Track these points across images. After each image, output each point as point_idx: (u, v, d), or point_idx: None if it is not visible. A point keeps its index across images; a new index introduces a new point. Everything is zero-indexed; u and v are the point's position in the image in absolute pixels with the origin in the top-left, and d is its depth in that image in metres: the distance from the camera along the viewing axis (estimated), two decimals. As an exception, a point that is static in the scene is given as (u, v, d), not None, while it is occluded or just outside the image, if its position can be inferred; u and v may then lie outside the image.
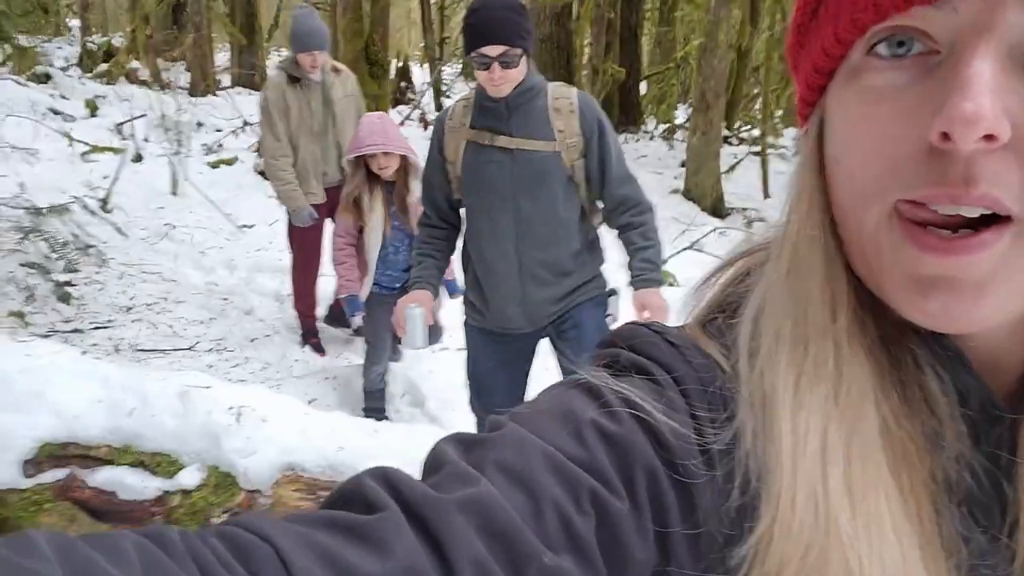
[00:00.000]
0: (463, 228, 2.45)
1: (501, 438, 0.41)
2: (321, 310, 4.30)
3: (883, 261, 0.41)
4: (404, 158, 3.16)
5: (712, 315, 0.52)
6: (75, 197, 4.85)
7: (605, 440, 0.42)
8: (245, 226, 5.92)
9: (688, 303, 0.55)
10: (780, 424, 0.42)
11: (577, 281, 2.38)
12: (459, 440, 0.43)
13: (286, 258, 5.28)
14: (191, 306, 4.40)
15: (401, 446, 2.14)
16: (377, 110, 9.89)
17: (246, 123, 8.69)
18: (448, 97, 18.73)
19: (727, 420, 0.44)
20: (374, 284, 3.34)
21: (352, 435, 2.13)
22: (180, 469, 2.05)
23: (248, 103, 11.54)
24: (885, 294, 0.42)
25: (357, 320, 3.55)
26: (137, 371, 2.27)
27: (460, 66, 22.89)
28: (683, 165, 8.51)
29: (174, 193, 6.67)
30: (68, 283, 4.25)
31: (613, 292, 2.46)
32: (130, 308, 4.23)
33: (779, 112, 12.21)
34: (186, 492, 2.03)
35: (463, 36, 2.16)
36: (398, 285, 3.29)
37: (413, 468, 0.56)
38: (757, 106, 13.44)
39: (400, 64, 14.54)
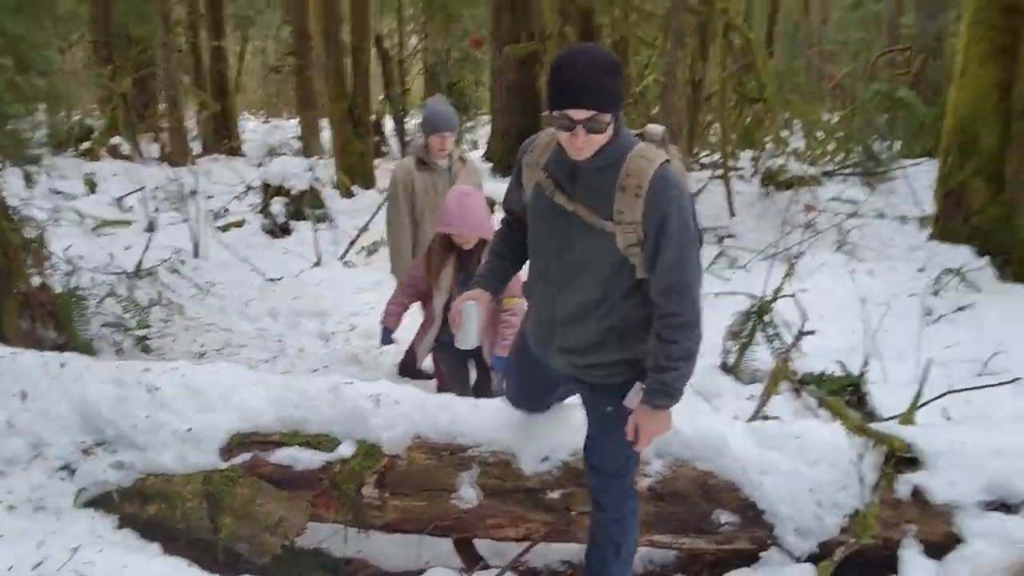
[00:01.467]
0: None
1: None
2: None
3: None
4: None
5: None
6: (163, 260, 5.56)
7: None
8: (273, 279, 6.64)
9: None
10: None
11: (601, 358, 2.28)
12: None
13: (321, 303, 6.06)
14: (253, 348, 5.11)
15: (492, 417, 2.90)
16: (363, 166, 10.75)
17: (249, 187, 9.42)
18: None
19: None
20: (438, 339, 3.68)
21: (460, 411, 2.89)
22: (338, 444, 2.80)
23: (244, 167, 12.33)
24: None
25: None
26: (293, 376, 3.01)
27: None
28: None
29: (196, 255, 7.37)
30: (145, 337, 4.95)
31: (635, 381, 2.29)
32: (203, 354, 4.94)
33: (734, 136, 13.23)
34: (344, 460, 2.77)
35: (548, 90, 2.02)
36: None
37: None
38: (712, 133, 14.52)
39: (373, 118, 15.36)
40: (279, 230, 8.52)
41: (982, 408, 3.51)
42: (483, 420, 2.88)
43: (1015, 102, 5.66)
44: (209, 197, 9.98)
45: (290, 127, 23.69)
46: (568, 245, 2.15)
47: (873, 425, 2.84)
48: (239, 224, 8.69)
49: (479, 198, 3.57)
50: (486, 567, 2.87)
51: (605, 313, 2.20)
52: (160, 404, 2.80)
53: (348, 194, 9.53)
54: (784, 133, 12.64)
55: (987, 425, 3.05)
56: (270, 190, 8.88)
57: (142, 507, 2.76)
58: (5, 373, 2.90)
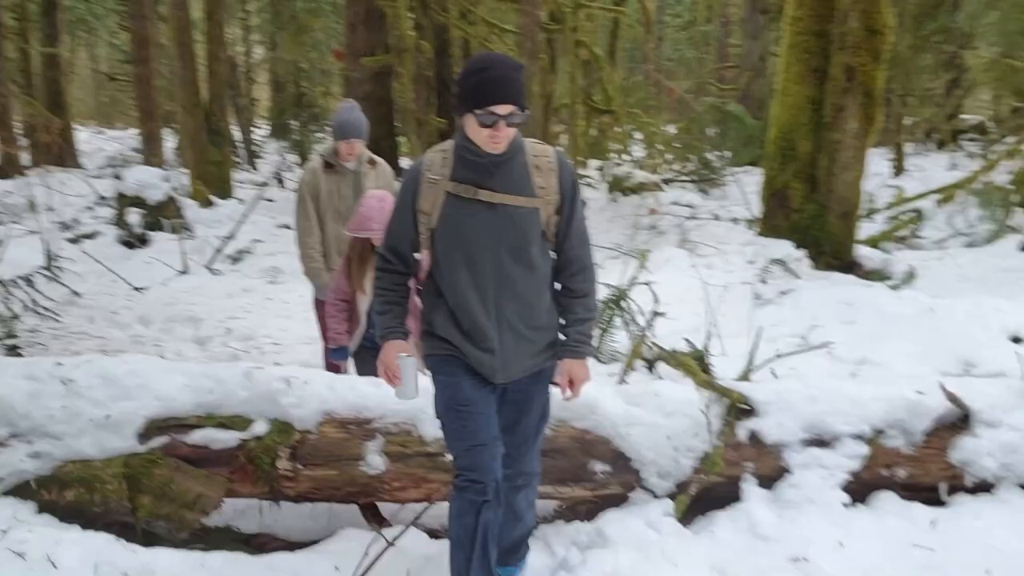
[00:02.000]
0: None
1: None
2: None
3: None
4: None
5: None
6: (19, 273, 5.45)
7: None
8: (139, 288, 6.63)
9: None
10: None
11: (548, 337, 2.49)
12: None
13: (193, 310, 6.14)
14: (131, 355, 5.17)
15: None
16: (220, 176, 10.70)
17: (102, 198, 9.19)
18: (261, 158, 19.38)
19: None
20: (364, 339, 3.78)
21: (364, 388, 3.22)
22: (252, 423, 3.06)
23: (80, 180, 11.88)
24: None
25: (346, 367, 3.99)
26: (209, 363, 3.23)
27: (269, 127, 23.54)
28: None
29: (50, 268, 7.19)
30: (15, 347, 4.92)
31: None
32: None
33: (582, 146, 14.08)
34: (258, 438, 3.04)
35: (467, 91, 2.21)
36: None
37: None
38: (561, 143, 15.37)
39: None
40: (137, 241, 8.41)
41: (801, 370, 4.20)
42: (385, 395, 3.21)
43: (825, 115, 6.58)
44: (49, 209, 9.65)
45: (126, 137, 22.76)
46: (501, 236, 2.32)
47: (717, 381, 3.41)
48: (91, 236, 8.50)
49: (391, 200, 3.59)
50: (389, 527, 3.20)
51: (543, 289, 2.45)
52: (76, 394, 2.96)
53: (207, 204, 9.48)
54: (629, 143, 13.62)
55: (804, 381, 3.71)
56: (125, 200, 8.74)
57: (60, 493, 2.92)
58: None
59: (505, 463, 2.52)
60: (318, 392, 3.14)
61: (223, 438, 3.02)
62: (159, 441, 2.99)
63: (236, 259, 7.80)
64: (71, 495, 2.92)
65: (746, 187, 10.31)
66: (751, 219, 8.97)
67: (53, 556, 2.59)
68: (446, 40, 13.95)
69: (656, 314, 4.36)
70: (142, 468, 2.94)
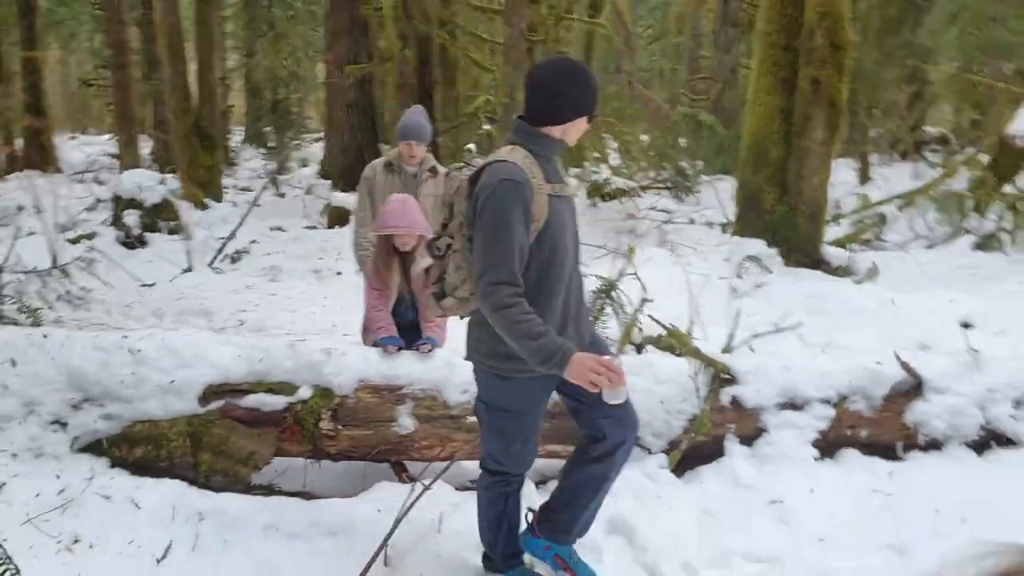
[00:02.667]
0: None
1: None
2: None
3: None
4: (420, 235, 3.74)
5: None
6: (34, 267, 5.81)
7: None
8: (147, 284, 7.00)
9: None
10: None
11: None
12: None
13: (204, 303, 6.53)
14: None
15: (419, 363, 3.70)
16: (211, 179, 11.05)
17: (99, 201, 9.52)
18: (236, 164, 19.67)
19: None
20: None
21: (395, 359, 3.67)
22: (297, 389, 3.49)
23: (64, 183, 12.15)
24: None
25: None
26: (257, 337, 3.66)
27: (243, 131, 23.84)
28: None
29: (55, 265, 7.53)
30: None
31: None
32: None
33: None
34: (303, 401, 3.48)
35: (589, 95, 2.40)
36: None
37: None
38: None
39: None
40: (136, 241, 8.76)
41: (775, 350, 4.72)
42: (413, 365, 3.68)
43: (794, 124, 7.17)
44: (38, 211, 9.93)
45: (100, 143, 22.88)
46: (575, 224, 2.55)
47: (703, 352, 3.91)
48: (90, 236, 8.82)
49: (415, 203, 3.92)
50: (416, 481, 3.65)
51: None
52: (142, 363, 3.38)
53: (202, 206, 9.84)
54: (606, 151, 14.18)
55: (779, 356, 4.22)
56: (122, 203, 9.08)
57: (130, 450, 3.33)
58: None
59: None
60: (354, 363, 3.59)
61: (272, 402, 3.46)
62: (216, 404, 3.42)
63: (235, 259, 8.19)
64: (140, 452, 3.33)
65: (719, 193, 10.89)
66: (725, 223, 9.54)
67: (135, 498, 3.02)
68: (428, 50, 14.44)
69: (645, 300, 4.84)
70: (202, 427, 3.37)
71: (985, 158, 10.70)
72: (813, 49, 6.79)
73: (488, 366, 2.56)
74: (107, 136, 22.65)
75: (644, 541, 3.18)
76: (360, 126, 14.06)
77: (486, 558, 2.97)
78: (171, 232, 9.03)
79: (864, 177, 16.18)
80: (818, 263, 7.07)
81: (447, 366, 3.68)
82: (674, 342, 4.04)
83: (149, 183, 9.20)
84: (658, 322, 4.31)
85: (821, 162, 6.98)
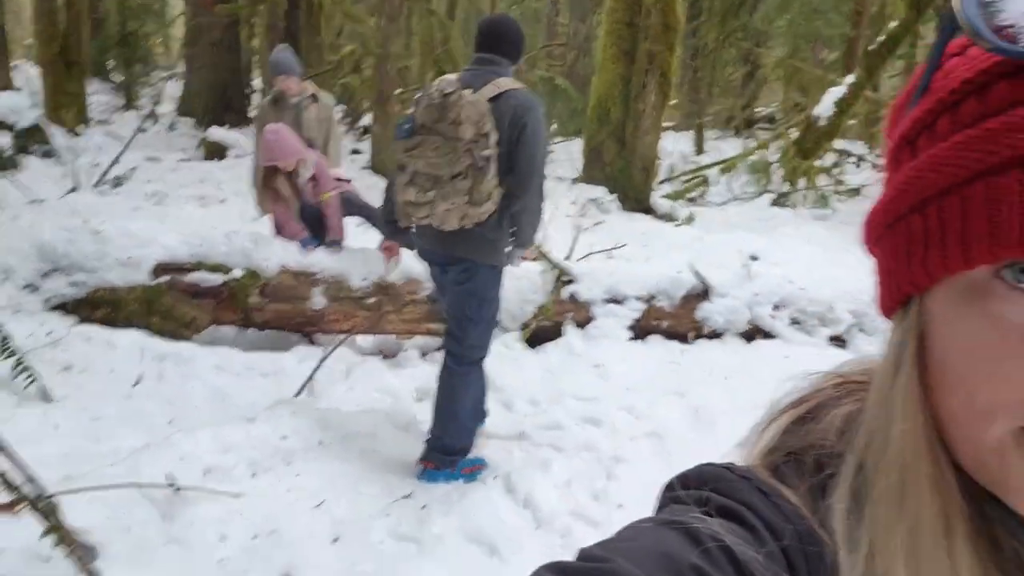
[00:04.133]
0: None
1: (604, 574, 0.42)
2: None
3: (1011, 473, 0.41)
4: None
5: (781, 459, 0.53)
6: None
7: None
8: (38, 200, 7.52)
9: (750, 437, 0.56)
10: None
11: None
12: (562, 571, 0.43)
13: (103, 219, 7.14)
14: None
15: (331, 256, 4.72)
16: (77, 107, 11.28)
17: None
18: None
19: None
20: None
21: (311, 255, 4.68)
22: (231, 270, 4.45)
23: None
24: (1011, 502, 0.42)
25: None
26: (202, 224, 4.57)
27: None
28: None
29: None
30: None
31: None
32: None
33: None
34: (237, 279, 4.44)
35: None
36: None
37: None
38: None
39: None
40: (8, 163, 9.06)
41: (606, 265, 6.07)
42: (324, 258, 4.71)
43: (632, 90, 8.56)
44: None
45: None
46: None
47: (551, 256, 5.16)
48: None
49: (285, 131, 4.63)
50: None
51: None
52: (104, 242, 4.24)
53: (74, 133, 10.17)
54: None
55: (608, 264, 5.55)
56: (-8, 125, 9.31)
57: (93, 311, 4.20)
58: (-32, 222, 4.12)
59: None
60: (277, 251, 4.59)
61: (211, 279, 4.41)
62: (165, 279, 4.33)
63: (117, 183, 8.71)
64: (101, 313, 4.20)
65: (573, 154, 12.26)
66: (575, 178, 10.92)
67: (111, 340, 3.92)
68: (298, -6, 14.96)
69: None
70: (154, 295, 4.28)
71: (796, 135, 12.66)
72: (649, 27, 8.19)
73: (492, 262, 3.22)
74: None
75: (502, 387, 4.39)
76: (226, 65, 14.45)
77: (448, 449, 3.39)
78: (44, 156, 9.38)
79: (699, 148, 18.16)
80: (648, 210, 8.55)
81: (351, 258, 4.74)
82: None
83: (20, 106, 9.46)
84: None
85: (653, 124, 8.43)
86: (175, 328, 4.32)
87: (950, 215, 0.41)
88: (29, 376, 3.35)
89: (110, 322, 4.19)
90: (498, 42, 3.17)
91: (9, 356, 3.26)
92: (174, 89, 19.04)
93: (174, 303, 4.31)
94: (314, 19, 17.56)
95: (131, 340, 3.98)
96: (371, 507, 3.04)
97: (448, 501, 3.14)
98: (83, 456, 3.01)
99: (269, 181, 4.79)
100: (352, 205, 4.94)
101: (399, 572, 2.66)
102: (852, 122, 20.63)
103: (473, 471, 3.38)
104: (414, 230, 3.33)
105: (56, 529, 1.96)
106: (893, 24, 9.99)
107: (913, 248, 0.44)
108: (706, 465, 0.53)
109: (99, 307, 4.20)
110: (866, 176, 11.89)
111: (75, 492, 2.28)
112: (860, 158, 13.33)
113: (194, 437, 3.09)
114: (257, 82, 17.38)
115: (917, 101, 0.45)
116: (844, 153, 13.11)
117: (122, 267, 4.23)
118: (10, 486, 1.93)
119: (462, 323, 3.31)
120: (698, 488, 0.51)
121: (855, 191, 9.87)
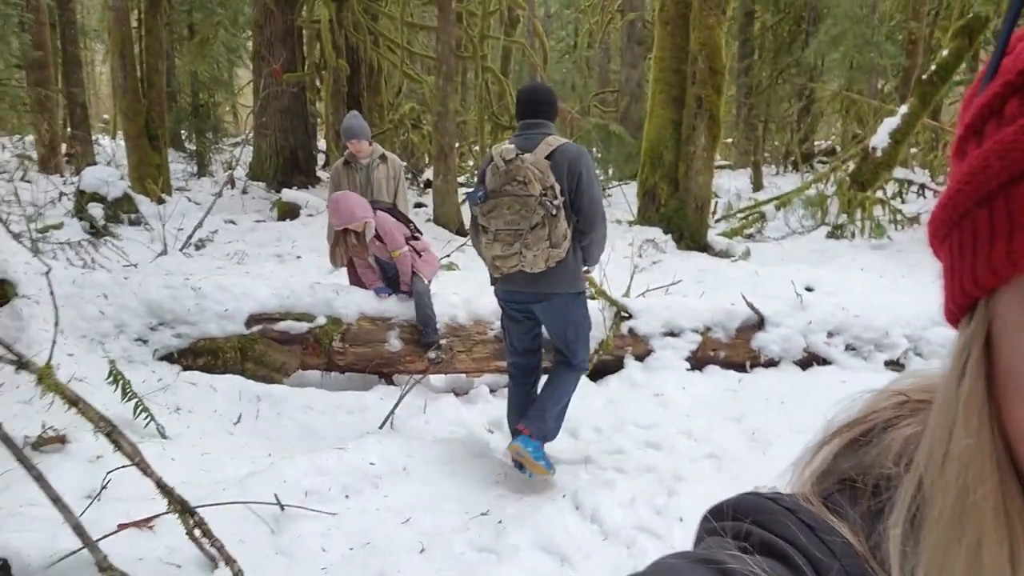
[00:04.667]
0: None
1: None
2: None
3: None
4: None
5: (834, 485, 0.52)
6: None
7: None
8: (131, 264, 8.19)
9: (801, 460, 0.55)
10: None
11: None
12: None
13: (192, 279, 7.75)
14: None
15: (403, 304, 5.15)
16: (160, 177, 12.15)
17: (62, 195, 10.54)
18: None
19: None
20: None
21: (386, 301, 5.12)
22: (316, 317, 4.91)
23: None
24: None
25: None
26: (285, 277, 5.06)
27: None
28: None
29: (36, 253, 8.60)
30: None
31: None
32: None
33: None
34: (321, 326, 4.89)
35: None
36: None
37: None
38: (472, 155, 17.50)
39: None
40: (102, 231, 9.84)
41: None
42: (398, 305, 5.14)
43: (682, 133, 8.93)
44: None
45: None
46: None
47: (609, 295, 5.51)
48: (58, 227, 9.85)
49: (350, 196, 4.98)
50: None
51: None
52: (203, 297, 4.75)
53: (159, 201, 10.97)
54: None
55: (664, 299, 5.86)
56: (85, 196, 10.15)
57: (194, 360, 4.68)
58: (87, 285, 4.67)
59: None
60: (356, 300, 5.04)
61: (298, 327, 4.87)
62: (257, 328, 4.81)
63: (199, 246, 9.39)
64: (202, 361, 4.69)
65: (629, 197, 12.63)
66: (632, 220, 11.28)
67: (213, 385, 4.39)
68: (358, 60, 15.82)
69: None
70: (248, 343, 4.75)
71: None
72: (696, 72, 8.58)
73: (576, 290, 3.74)
74: (15, 137, 23.00)
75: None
76: (294, 130, 15.31)
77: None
78: (131, 223, 10.15)
79: (758, 185, 18.35)
80: (704, 247, 8.84)
81: (423, 303, 5.15)
82: (589, 287, 5.61)
83: (111, 178, 10.29)
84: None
85: (704, 164, 8.77)
86: (267, 373, 4.78)
87: (1018, 206, 0.38)
88: (147, 417, 3.81)
89: (210, 369, 4.67)
90: (539, 107, 3.66)
91: (131, 399, 3.73)
92: (244, 154, 20.10)
93: (266, 350, 4.78)
94: (375, 81, 18.47)
95: (230, 384, 4.44)
96: (453, 523, 3.40)
97: (521, 517, 3.47)
98: (198, 484, 3.44)
99: (340, 239, 5.18)
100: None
101: (481, 575, 3.00)
102: (913, 150, 20.61)
103: (549, 461, 3.83)
104: (498, 277, 3.80)
105: (208, 536, 2.35)
106: (944, 52, 10.14)
107: (978, 245, 0.41)
108: (747, 495, 0.51)
109: (201, 355, 4.69)
110: (927, 204, 11.97)
111: (207, 507, 2.69)
112: (922, 186, 13.38)
113: (294, 463, 3.50)
114: (322, 143, 18.23)
115: (984, 88, 0.41)
116: (906, 182, 13.19)
117: (219, 319, 4.72)
118: (170, 497, 2.34)
119: (569, 346, 3.86)
120: (737, 520, 0.50)
121: (913, 219, 9.99)
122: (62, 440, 3.58)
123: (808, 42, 21.60)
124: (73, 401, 2.34)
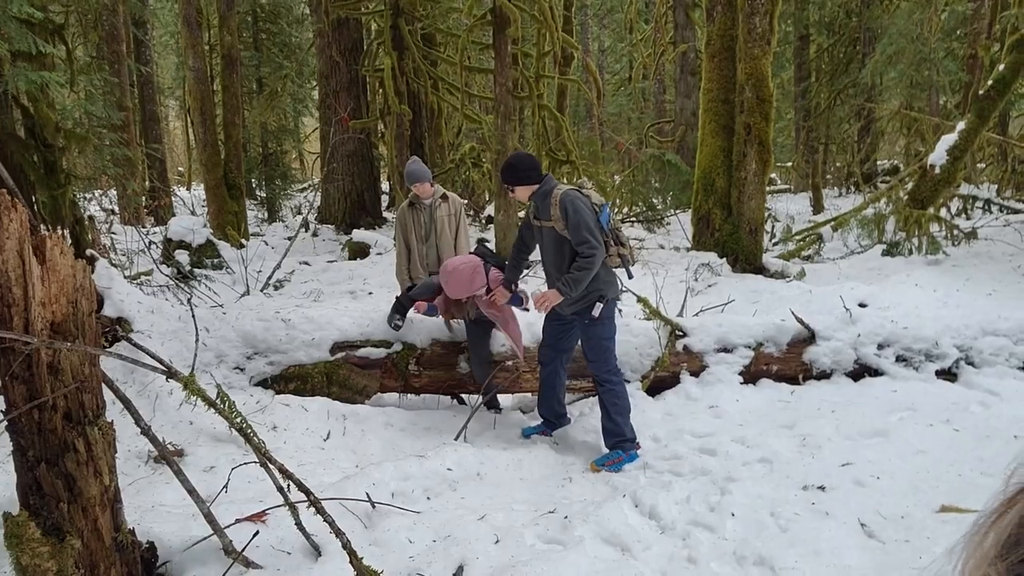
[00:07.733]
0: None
1: None
2: None
3: None
4: None
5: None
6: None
7: None
8: (218, 304, 8.85)
9: (979, 526, 0.51)
10: None
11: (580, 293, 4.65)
12: None
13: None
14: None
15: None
16: (238, 225, 12.97)
17: (151, 243, 11.39)
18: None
19: None
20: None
21: (455, 327, 5.60)
22: (392, 344, 5.41)
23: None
24: None
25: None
26: (365, 308, 5.60)
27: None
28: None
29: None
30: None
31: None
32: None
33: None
34: (397, 352, 5.38)
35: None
36: None
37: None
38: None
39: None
40: (188, 276, 10.61)
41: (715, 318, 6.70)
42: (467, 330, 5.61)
43: (733, 160, 9.28)
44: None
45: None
46: (542, 244, 4.77)
47: (663, 314, 5.88)
48: (148, 273, 10.66)
49: (457, 270, 5.00)
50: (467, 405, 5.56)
51: (566, 270, 4.64)
52: (292, 328, 5.29)
53: (239, 246, 11.74)
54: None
55: (717, 317, 6.21)
56: (172, 244, 10.95)
57: (286, 385, 5.22)
58: (190, 320, 5.26)
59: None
60: (428, 327, 5.53)
61: (376, 352, 5.37)
62: (340, 354, 5.32)
63: (278, 286, 10.06)
64: (292, 386, 5.22)
65: (685, 225, 12.96)
66: (689, 247, 11.61)
67: (304, 406, 4.90)
68: (419, 104, 16.62)
69: (625, 289, 6.83)
70: (332, 369, 5.27)
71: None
72: (744, 101, 8.95)
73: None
74: (98, 192, 24.53)
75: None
76: (360, 173, 16.10)
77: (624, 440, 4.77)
78: (214, 268, 10.90)
79: (819, 207, 18.45)
80: (759, 269, 9.13)
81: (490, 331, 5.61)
82: (644, 309, 6.00)
83: (195, 227, 11.09)
84: (633, 292, 6.28)
85: (756, 189, 9.09)
86: (351, 395, 5.28)
87: None
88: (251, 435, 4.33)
89: (300, 392, 5.19)
90: (528, 171, 4.65)
91: (236, 417, 4.25)
92: (313, 198, 21.03)
93: (349, 374, 5.29)
94: (435, 123, 19.23)
95: (319, 405, 4.95)
96: (523, 519, 3.81)
97: (585, 513, 3.87)
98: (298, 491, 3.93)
99: (451, 304, 5.41)
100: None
101: (551, 561, 3.40)
102: (981, 165, 20.39)
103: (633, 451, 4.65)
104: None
105: (321, 513, 2.82)
106: (1001, 67, 10.25)
107: None
108: None
109: (291, 381, 5.22)
110: (986, 218, 12.02)
111: (302, 503, 3.16)
112: (987, 201, 13.36)
113: (380, 469, 3.97)
114: (385, 185, 19.02)
115: None
116: (970, 198, 13.17)
117: (307, 347, 5.25)
118: (291, 479, 2.82)
119: (595, 363, 4.71)
120: None
121: (970, 234, 10.10)
122: (180, 453, 4.12)
123: (864, 62, 21.72)
124: (211, 403, 2.84)
